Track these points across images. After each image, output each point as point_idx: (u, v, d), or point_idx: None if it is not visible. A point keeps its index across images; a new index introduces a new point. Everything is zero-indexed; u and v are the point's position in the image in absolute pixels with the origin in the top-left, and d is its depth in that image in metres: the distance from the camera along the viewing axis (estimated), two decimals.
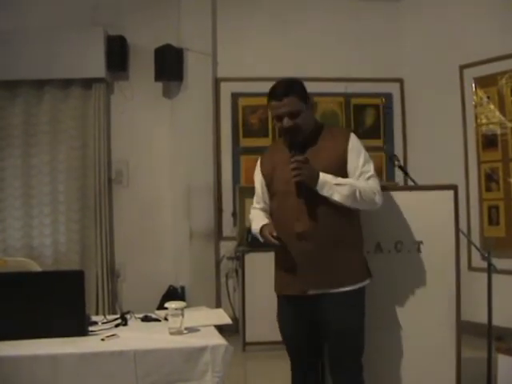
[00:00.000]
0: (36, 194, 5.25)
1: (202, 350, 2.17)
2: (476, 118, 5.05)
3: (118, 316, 2.59)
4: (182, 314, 2.32)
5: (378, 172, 5.52)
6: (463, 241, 3.17)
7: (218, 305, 5.20)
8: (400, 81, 5.65)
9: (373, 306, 2.68)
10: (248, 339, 4.65)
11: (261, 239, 2.52)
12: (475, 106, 5.06)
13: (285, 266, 2.51)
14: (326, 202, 2.40)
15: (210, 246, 5.34)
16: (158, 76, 5.31)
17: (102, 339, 2.23)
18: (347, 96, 5.57)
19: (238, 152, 5.47)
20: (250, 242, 4.79)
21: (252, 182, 2.74)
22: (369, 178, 2.46)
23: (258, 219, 2.60)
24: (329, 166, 2.40)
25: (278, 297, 2.61)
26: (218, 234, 5.42)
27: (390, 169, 5.42)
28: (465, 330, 3.01)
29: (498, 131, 4.89)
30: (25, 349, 2.12)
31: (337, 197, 2.37)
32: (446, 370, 2.80)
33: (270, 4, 5.50)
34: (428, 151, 5.31)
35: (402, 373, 2.79)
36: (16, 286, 2.29)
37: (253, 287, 4.61)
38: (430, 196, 2.86)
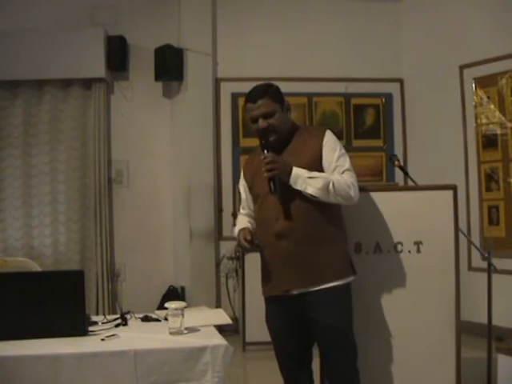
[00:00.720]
0: (36, 194, 5.25)
1: (201, 349, 2.17)
2: (476, 118, 5.05)
3: (118, 316, 2.59)
4: (182, 314, 2.32)
5: (378, 172, 5.59)
6: (463, 241, 3.17)
7: (218, 305, 5.21)
8: (400, 81, 5.65)
9: (373, 306, 2.68)
10: (248, 339, 4.65)
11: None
12: (475, 106, 5.06)
13: (268, 267, 2.53)
14: (303, 199, 2.40)
15: (210, 246, 5.34)
16: (158, 76, 5.31)
17: (102, 339, 2.23)
18: (347, 96, 5.57)
19: (237, 152, 5.47)
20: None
21: None
22: (343, 172, 2.44)
23: (239, 224, 2.66)
24: (305, 163, 2.42)
25: (266, 299, 2.61)
26: (218, 234, 5.42)
27: (389, 169, 5.43)
28: (465, 330, 3.02)
29: (498, 131, 4.89)
30: (25, 349, 2.12)
31: (310, 190, 2.37)
32: (446, 370, 2.80)
33: (270, 4, 5.50)
34: (428, 151, 5.31)
35: (401, 373, 2.79)
36: (16, 285, 2.29)
37: (253, 287, 4.59)
38: (429, 196, 2.86)
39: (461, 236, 2.92)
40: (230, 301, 5.31)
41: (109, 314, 4.42)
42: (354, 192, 2.42)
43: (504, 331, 3.95)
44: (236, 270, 5.26)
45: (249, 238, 2.43)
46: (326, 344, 2.47)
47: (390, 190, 2.86)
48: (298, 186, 2.38)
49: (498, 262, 3.22)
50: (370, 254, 2.78)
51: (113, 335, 2.29)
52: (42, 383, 2.07)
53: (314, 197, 2.38)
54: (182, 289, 5.28)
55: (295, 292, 2.44)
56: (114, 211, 5.39)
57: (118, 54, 5.25)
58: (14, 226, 5.21)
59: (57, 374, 2.06)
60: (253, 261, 4.66)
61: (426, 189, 2.90)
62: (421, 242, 2.81)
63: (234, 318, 4.98)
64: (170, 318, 2.35)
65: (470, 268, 4.88)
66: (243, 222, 2.67)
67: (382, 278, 2.76)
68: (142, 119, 5.43)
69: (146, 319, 2.62)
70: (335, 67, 5.46)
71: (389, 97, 5.65)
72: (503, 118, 4.86)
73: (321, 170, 2.44)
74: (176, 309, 2.32)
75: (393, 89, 5.65)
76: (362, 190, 2.54)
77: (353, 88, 5.53)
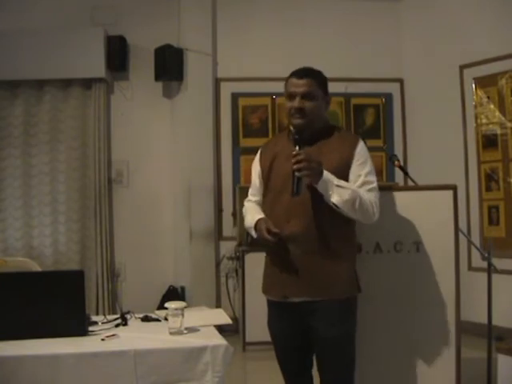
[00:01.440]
0: (36, 194, 5.25)
1: (201, 349, 2.17)
2: (476, 118, 5.05)
3: (118, 316, 2.59)
4: (182, 314, 2.32)
5: (378, 172, 5.59)
6: (463, 241, 3.17)
7: (218, 305, 5.21)
8: (400, 81, 5.65)
9: (372, 305, 2.68)
10: (248, 339, 4.65)
11: (254, 235, 2.40)
12: (475, 106, 5.06)
13: (271, 267, 2.43)
14: (323, 206, 2.26)
15: (210, 246, 5.34)
16: (158, 76, 5.31)
17: (102, 339, 2.23)
18: (347, 96, 5.57)
19: (237, 152, 5.47)
20: (250, 242, 4.80)
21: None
22: (370, 191, 2.32)
23: (253, 213, 2.46)
24: (332, 168, 2.26)
25: (267, 301, 2.53)
26: (218, 234, 5.42)
27: (390, 169, 5.42)
28: (465, 330, 3.01)
29: (498, 131, 4.89)
30: (25, 349, 2.12)
31: (335, 199, 2.22)
32: (446, 370, 2.80)
33: (270, 4, 5.50)
34: (428, 151, 5.31)
35: (401, 373, 2.79)
36: (16, 285, 2.29)
37: (253, 287, 4.60)
38: (429, 196, 2.86)
39: (461, 236, 2.91)
40: (229, 301, 5.31)
41: (109, 313, 4.42)
42: (376, 214, 2.33)
43: (504, 331, 3.95)
44: (236, 270, 5.26)
45: (275, 230, 2.25)
46: (324, 356, 2.38)
47: (390, 189, 2.85)
48: (324, 191, 2.23)
49: (498, 262, 3.22)
50: (370, 253, 2.77)
51: (113, 335, 2.29)
52: (42, 383, 2.07)
53: (337, 207, 2.24)
54: (182, 289, 5.28)
55: (295, 300, 2.35)
56: (114, 211, 5.39)
57: (118, 54, 5.25)
58: (14, 226, 5.21)
59: (57, 373, 2.06)
60: (253, 261, 4.69)
61: (426, 189, 2.90)
62: (421, 242, 2.81)
63: (234, 318, 4.98)
64: (170, 317, 2.35)
65: (470, 268, 4.88)
66: (257, 210, 2.48)
67: (382, 278, 2.76)
68: (142, 119, 5.43)
69: (145, 319, 2.62)
70: (335, 67, 5.44)
71: (389, 97, 5.65)
72: (503, 118, 4.86)
73: (345, 179, 2.31)
74: (176, 309, 2.32)
75: (393, 89, 5.65)
76: None
77: (353, 88, 5.53)
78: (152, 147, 5.45)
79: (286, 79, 2.39)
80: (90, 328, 2.39)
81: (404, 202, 2.82)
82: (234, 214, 5.37)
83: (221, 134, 5.49)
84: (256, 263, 4.57)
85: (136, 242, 5.34)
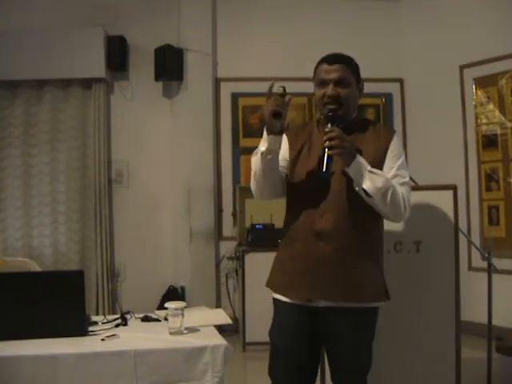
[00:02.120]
0: (36, 194, 5.25)
1: (202, 349, 2.17)
2: (476, 118, 5.05)
3: (118, 316, 2.59)
4: (182, 314, 2.32)
5: None
6: (463, 241, 3.17)
7: (218, 305, 5.21)
8: (400, 81, 5.65)
9: None
10: (248, 339, 4.65)
11: (266, 132, 2.09)
12: (475, 106, 5.06)
13: (291, 264, 2.18)
14: (358, 200, 2.09)
15: (210, 246, 5.34)
16: (158, 76, 5.31)
17: (102, 339, 2.23)
18: None
19: (237, 152, 5.47)
20: (250, 242, 4.80)
21: None
22: (403, 185, 2.15)
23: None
24: (367, 161, 2.09)
25: (278, 302, 2.24)
26: (217, 234, 5.42)
27: None
28: (465, 330, 3.02)
29: (498, 131, 4.89)
30: (24, 349, 2.12)
31: (367, 185, 2.04)
32: (446, 370, 2.80)
33: (270, 4, 5.50)
34: (428, 151, 5.31)
35: (401, 373, 2.78)
36: (16, 286, 2.29)
37: (253, 287, 4.61)
38: (429, 196, 2.86)
39: (461, 236, 2.92)
40: (230, 301, 5.31)
41: (109, 313, 4.42)
42: (407, 211, 2.15)
43: (504, 331, 3.95)
44: (236, 270, 5.27)
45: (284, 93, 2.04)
46: (343, 362, 2.18)
47: None
48: (355, 175, 2.05)
49: (498, 262, 3.22)
50: None
51: (113, 335, 2.28)
52: (42, 383, 2.06)
53: (367, 195, 2.05)
54: (182, 289, 5.28)
55: (321, 305, 2.13)
56: (114, 211, 5.39)
57: (117, 53, 5.25)
58: (14, 226, 5.21)
59: (57, 374, 2.06)
60: (253, 261, 4.69)
61: (426, 189, 2.90)
62: (420, 242, 2.81)
63: (234, 318, 4.98)
64: (170, 317, 2.34)
65: (470, 268, 4.88)
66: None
67: None
68: (142, 119, 5.43)
69: (146, 319, 2.62)
70: None
71: (389, 97, 5.65)
72: (503, 118, 4.86)
73: None
74: (176, 309, 2.32)
75: (393, 89, 5.66)
76: None
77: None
78: (152, 147, 5.45)
79: (316, 66, 2.21)
80: (90, 328, 2.39)
81: None
82: (234, 214, 5.37)
83: (221, 134, 5.49)
84: (256, 263, 4.63)
85: (136, 242, 5.34)
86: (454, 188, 2.86)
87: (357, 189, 2.08)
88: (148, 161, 5.44)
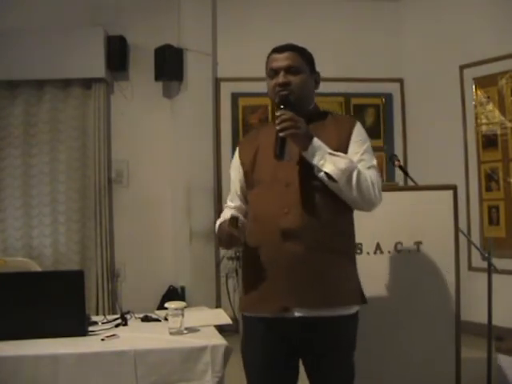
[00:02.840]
0: (36, 194, 5.25)
1: (201, 349, 2.17)
2: (476, 118, 5.05)
3: (118, 316, 2.59)
4: (182, 314, 2.32)
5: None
6: (463, 241, 3.17)
7: (218, 305, 5.20)
8: (400, 81, 5.65)
9: (372, 306, 2.67)
10: None
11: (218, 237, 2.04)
12: (475, 106, 5.06)
13: (260, 274, 1.95)
14: (325, 192, 1.91)
15: (210, 246, 5.34)
16: (158, 76, 5.31)
17: (102, 339, 2.23)
18: (347, 96, 5.57)
19: None
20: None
21: None
22: (370, 168, 1.97)
23: (223, 218, 2.11)
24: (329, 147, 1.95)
25: (244, 318, 2.09)
26: None
27: (390, 169, 5.42)
28: (465, 329, 3.02)
29: (498, 131, 4.89)
30: (24, 349, 2.12)
31: (329, 168, 1.87)
32: (446, 370, 2.80)
33: (270, 4, 5.50)
34: (428, 151, 5.31)
35: (402, 373, 2.79)
36: (16, 286, 2.29)
37: None
38: (430, 196, 2.86)
39: (461, 236, 2.92)
40: (229, 301, 5.31)
41: (109, 313, 4.42)
42: (378, 196, 1.95)
43: (504, 331, 3.95)
44: (236, 270, 5.26)
45: (235, 223, 1.88)
46: (323, 379, 1.99)
47: (390, 190, 2.85)
48: (315, 160, 1.88)
49: (498, 262, 3.22)
50: (371, 254, 2.77)
51: (113, 335, 2.29)
52: (42, 383, 2.06)
53: (331, 179, 1.87)
54: (182, 289, 5.28)
55: (297, 314, 1.91)
56: (114, 211, 5.39)
57: (117, 54, 5.25)
58: (14, 226, 5.21)
59: (57, 373, 2.06)
60: None
61: (426, 189, 2.90)
62: (421, 242, 2.82)
63: (234, 318, 4.97)
64: (170, 317, 2.34)
65: (470, 268, 4.88)
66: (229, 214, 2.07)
67: (383, 278, 2.76)
68: (142, 119, 5.43)
69: (146, 319, 2.62)
70: (335, 67, 5.46)
71: (389, 97, 5.65)
72: (503, 118, 4.86)
73: None
74: (176, 309, 2.32)
75: (393, 89, 5.65)
76: None
77: (353, 88, 5.53)
78: (152, 147, 5.45)
79: (267, 57, 2.14)
80: (90, 328, 2.39)
81: (404, 202, 2.83)
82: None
83: (221, 134, 5.48)
84: None
85: (136, 242, 5.34)
86: (454, 188, 2.86)
87: (319, 175, 1.90)
88: (148, 161, 5.44)
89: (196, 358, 2.15)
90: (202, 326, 2.44)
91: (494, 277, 3.17)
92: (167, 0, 5.39)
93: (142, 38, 5.37)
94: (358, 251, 2.77)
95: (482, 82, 4.99)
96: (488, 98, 4.96)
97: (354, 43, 5.52)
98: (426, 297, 2.79)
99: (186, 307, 2.36)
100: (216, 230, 2.11)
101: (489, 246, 3.32)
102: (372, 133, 5.56)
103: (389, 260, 2.80)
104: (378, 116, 5.63)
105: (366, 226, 2.65)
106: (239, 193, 2.17)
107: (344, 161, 1.89)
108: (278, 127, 1.87)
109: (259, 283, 1.96)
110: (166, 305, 2.36)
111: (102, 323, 2.52)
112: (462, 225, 3.38)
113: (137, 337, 2.29)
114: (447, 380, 2.80)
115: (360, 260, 2.65)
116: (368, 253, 2.77)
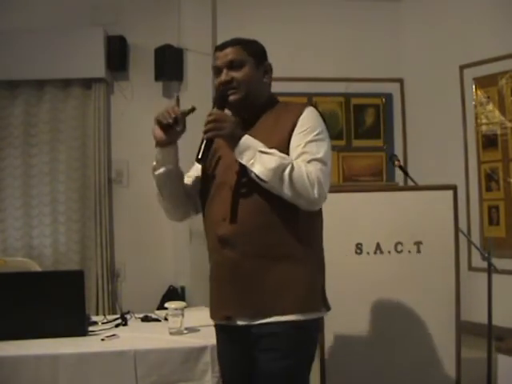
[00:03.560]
0: (36, 194, 5.24)
1: (201, 350, 2.17)
2: (476, 118, 5.05)
3: (118, 316, 2.59)
4: (182, 314, 2.32)
5: (378, 172, 5.58)
6: (463, 241, 3.17)
7: None
8: (400, 81, 5.65)
9: (373, 306, 2.67)
10: None
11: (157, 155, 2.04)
12: (475, 106, 5.06)
13: (212, 281, 1.94)
14: (263, 196, 1.78)
15: None
16: (158, 76, 5.31)
17: (102, 339, 2.24)
18: (347, 96, 5.56)
19: None
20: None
21: None
22: (311, 162, 1.76)
23: None
24: (270, 145, 1.78)
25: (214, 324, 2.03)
26: None
27: (390, 169, 5.42)
28: (465, 330, 3.02)
29: (498, 131, 4.89)
30: (24, 349, 2.12)
31: (257, 169, 1.73)
32: (446, 370, 2.80)
33: (270, 4, 5.50)
34: (428, 151, 5.31)
35: (402, 373, 2.79)
36: (16, 286, 2.29)
37: None
38: (430, 196, 2.86)
39: (461, 236, 2.92)
40: None
41: (109, 313, 4.42)
42: (317, 191, 1.73)
43: (504, 331, 3.95)
44: None
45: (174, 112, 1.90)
46: None
47: (390, 190, 2.85)
48: (244, 160, 1.76)
49: (498, 262, 3.22)
50: (371, 254, 2.77)
51: (113, 335, 2.29)
52: (42, 383, 2.07)
53: (261, 180, 1.73)
54: (182, 289, 5.28)
55: (239, 323, 1.83)
56: (114, 211, 5.38)
57: (117, 54, 5.24)
58: (14, 226, 5.20)
59: (57, 373, 2.07)
60: None
61: (426, 189, 2.91)
62: (421, 242, 2.82)
63: None
64: (170, 318, 2.35)
65: (470, 268, 4.88)
66: None
67: (383, 279, 2.76)
68: (142, 119, 5.40)
69: (146, 319, 2.62)
70: (335, 67, 5.46)
71: (389, 97, 5.64)
72: (503, 118, 4.86)
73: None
74: (176, 309, 2.33)
75: (393, 89, 5.65)
76: (362, 190, 2.53)
77: (353, 88, 5.53)
78: (152, 147, 5.36)
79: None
80: (90, 328, 2.39)
81: (404, 201, 2.83)
82: None
83: None
84: None
85: (136, 242, 5.34)
86: (454, 188, 2.86)
87: (251, 176, 1.77)
88: (148, 161, 5.32)
89: (196, 358, 2.16)
90: (202, 326, 2.44)
91: (494, 277, 3.17)
92: (167, 0, 5.39)
93: (142, 38, 5.36)
94: (358, 251, 2.77)
95: (482, 82, 4.99)
96: (488, 97, 4.96)
97: (353, 43, 5.51)
98: (426, 297, 2.79)
99: (185, 307, 2.36)
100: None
101: (489, 246, 3.32)
102: (372, 133, 5.58)
103: (389, 260, 2.79)
104: (378, 116, 5.63)
105: (365, 226, 2.66)
106: (192, 178, 2.12)
107: (274, 158, 1.73)
108: (204, 129, 1.82)
109: (212, 291, 1.94)
110: (166, 305, 2.36)
111: (102, 323, 2.52)
112: (462, 225, 3.38)
113: (137, 337, 2.29)
114: (447, 380, 2.80)
115: (360, 260, 2.67)
116: (368, 253, 2.77)
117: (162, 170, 2.02)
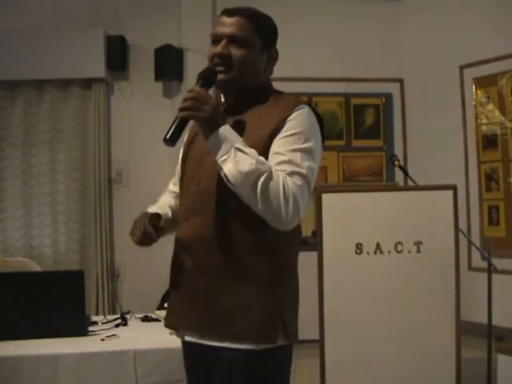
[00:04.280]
0: (36, 194, 5.24)
1: None
2: (476, 118, 5.05)
3: (118, 316, 2.59)
4: None
5: (378, 172, 5.58)
6: (463, 241, 3.17)
7: None
8: (400, 81, 5.65)
9: (373, 306, 2.67)
10: None
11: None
12: (475, 106, 5.06)
13: (171, 288, 1.78)
14: (240, 202, 1.49)
15: None
16: (158, 76, 5.31)
17: (102, 339, 2.24)
18: (347, 96, 5.56)
19: None
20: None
21: None
22: (292, 175, 1.47)
23: (155, 205, 1.87)
24: (252, 144, 1.52)
25: None
26: None
27: (390, 169, 5.42)
28: (465, 330, 3.02)
29: (498, 131, 4.89)
30: (25, 349, 2.12)
31: (228, 168, 1.45)
32: (446, 370, 2.80)
33: (269, 4, 5.47)
34: (428, 151, 5.31)
35: (402, 373, 2.79)
36: (16, 286, 2.30)
37: None
38: (429, 196, 2.86)
39: (461, 236, 2.92)
40: None
41: (109, 313, 4.42)
42: (291, 210, 1.44)
43: (504, 331, 3.95)
44: None
45: (149, 229, 1.69)
46: None
47: (390, 190, 2.85)
48: (218, 155, 1.48)
49: (498, 262, 3.22)
50: (371, 254, 2.77)
51: (113, 335, 2.29)
52: (42, 383, 2.07)
53: (229, 182, 1.47)
54: None
55: (186, 338, 1.64)
56: (114, 211, 5.38)
57: (117, 54, 5.24)
58: (14, 226, 5.20)
59: (57, 373, 2.06)
60: None
61: (426, 189, 2.91)
62: (421, 242, 2.82)
63: None
64: None
65: (470, 268, 4.88)
66: (165, 202, 1.86)
67: (383, 279, 2.76)
68: (142, 119, 5.42)
69: (145, 319, 2.62)
70: (335, 67, 5.46)
71: (389, 97, 5.64)
72: (503, 118, 4.86)
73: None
74: None
75: (393, 89, 5.65)
76: (362, 190, 2.53)
77: (353, 88, 5.53)
78: (152, 147, 5.41)
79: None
80: (90, 328, 2.40)
81: (404, 202, 2.83)
82: None
83: None
84: None
85: None
86: (454, 188, 2.86)
87: (221, 174, 1.49)
88: (148, 161, 5.44)
89: None
90: None
91: (494, 277, 3.17)
92: (167, 0, 5.39)
93: (142, 38, 5.36)
94: (358, 251, 2.78)
95: (481, 82, 4.99)
96: (488, 97, 4.96)
97: (353, 43, 5.51)
98: (426, 297, 2.79)
99: None
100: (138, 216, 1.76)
101: (489, 246, 3.32)
102: (372, 133, 5.57)
103: (389, 260, 2.79)
104: (378, 116, 5.63)
105: (366, 226, 2.66)
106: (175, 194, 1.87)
107: (250, 161, 1.45)
108: (180, 107, 1.57)
109: (171, 293, 1.77)
110: (166, 305, 2.36)
111: (102, 323, 2.52)
112: (462, 225, 3.38)
113: (137, 337, 2.30)
114: (447, 380, 2.80)
115: (360, 260, 2.67)
116: (368, 253, 2.77)
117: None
